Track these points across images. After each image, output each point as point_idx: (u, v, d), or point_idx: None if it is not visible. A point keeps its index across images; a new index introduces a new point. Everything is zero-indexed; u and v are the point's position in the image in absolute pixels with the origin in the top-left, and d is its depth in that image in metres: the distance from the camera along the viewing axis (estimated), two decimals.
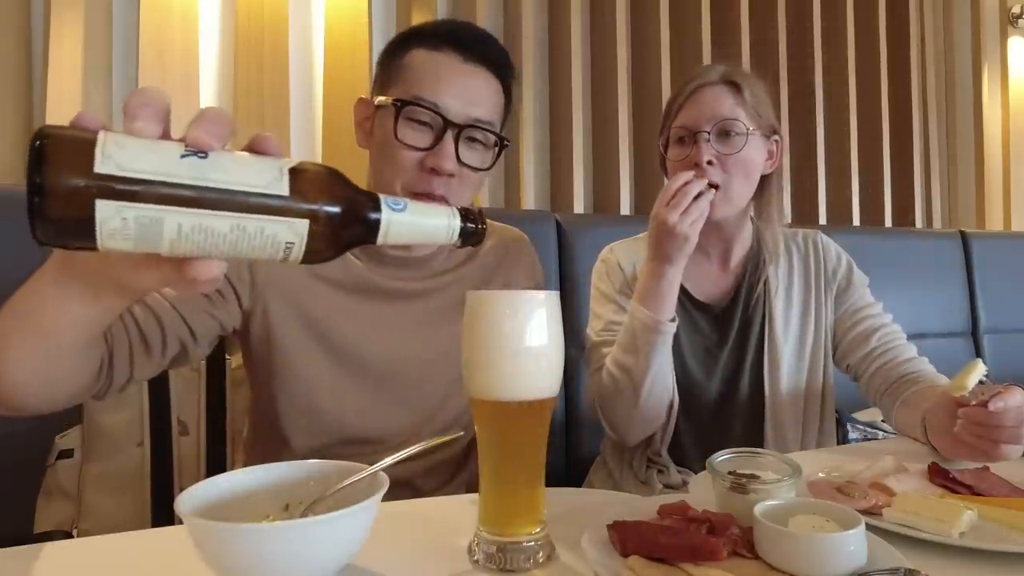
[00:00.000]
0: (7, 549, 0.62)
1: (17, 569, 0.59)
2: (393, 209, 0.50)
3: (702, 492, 0.71)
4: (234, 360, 1.10)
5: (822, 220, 2.52)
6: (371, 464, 0.59)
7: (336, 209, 0.47)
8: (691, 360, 1.19)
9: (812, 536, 0.54)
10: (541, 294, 0.59)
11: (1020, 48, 2.96)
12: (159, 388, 1.05)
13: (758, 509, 0.57)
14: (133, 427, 1.04)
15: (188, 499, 0.54)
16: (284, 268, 0.94)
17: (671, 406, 1.12)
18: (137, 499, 1.03)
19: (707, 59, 2.22)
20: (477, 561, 0.59)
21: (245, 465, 1.03)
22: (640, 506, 0.67)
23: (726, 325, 1.19)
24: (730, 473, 0.64)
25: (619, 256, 1.23)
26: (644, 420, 1.08)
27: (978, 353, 2.28)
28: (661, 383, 1.05)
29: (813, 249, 1.23)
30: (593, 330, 1.21)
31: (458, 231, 0.53)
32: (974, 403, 0.82)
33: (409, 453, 0.62)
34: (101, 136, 0.41)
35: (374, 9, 1.82)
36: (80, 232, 0.41)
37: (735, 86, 1.12)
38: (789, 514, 0.57)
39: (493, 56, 0.95)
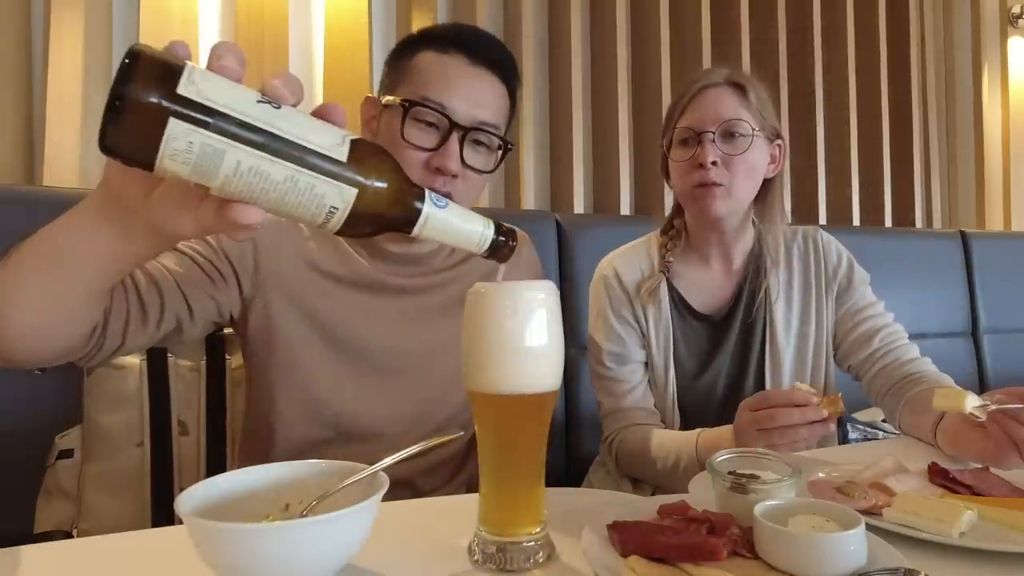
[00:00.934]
0: (7, 549, 0.62)
1: (17, 569, 0.59)
2: (436, 204, 0.53)
3: (702, 492, 0.71)
4: (234, 360, 1.10)
5: (822, 220, 2.52)
6: (369, 461, 0.60)
7: (385, 186, 0.50)
8: (694, 366, 1.19)
9: (812, 536, 0.54)
10: (542, 290, 0.59)
11: (1020, 48, 2.96)
12: (159, 388, 1.05)
13: (758, 509, 0.57)
14: (133, 427, 1.04)
15: (188, 499, 0.54)
16: (286, 260, 0.94)
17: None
18: (137, 499, 1.03)
19: (707, 59, 2.22)
20: (477, 561, 0.59)
21: (240, 461, 1.04)
22: (640, 506, 0.67)
23: (727, 332, 1.19)
24: (730, 473, 0.64)
25: (620, 269, 1.21)
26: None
27: (978, 353, 2.29)
28: None
29: (813, 249, 1.22)
30: (593, 356, 1.22)
31: (489, 242, 0.55)
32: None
33: (409, 453, 0.62)
34: (189, 65, 0.44)
35: (374, 9, 1.82)
36: (145, 146, 0.43)
37: (740, 88, 1.13)
38: (789, 514, 0.57)
39: (500, 60, 0.96)
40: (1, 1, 1.49)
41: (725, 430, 0.97)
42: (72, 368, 1.05)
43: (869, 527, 0.56)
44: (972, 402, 0.81)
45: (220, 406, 1.09)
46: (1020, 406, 0.80)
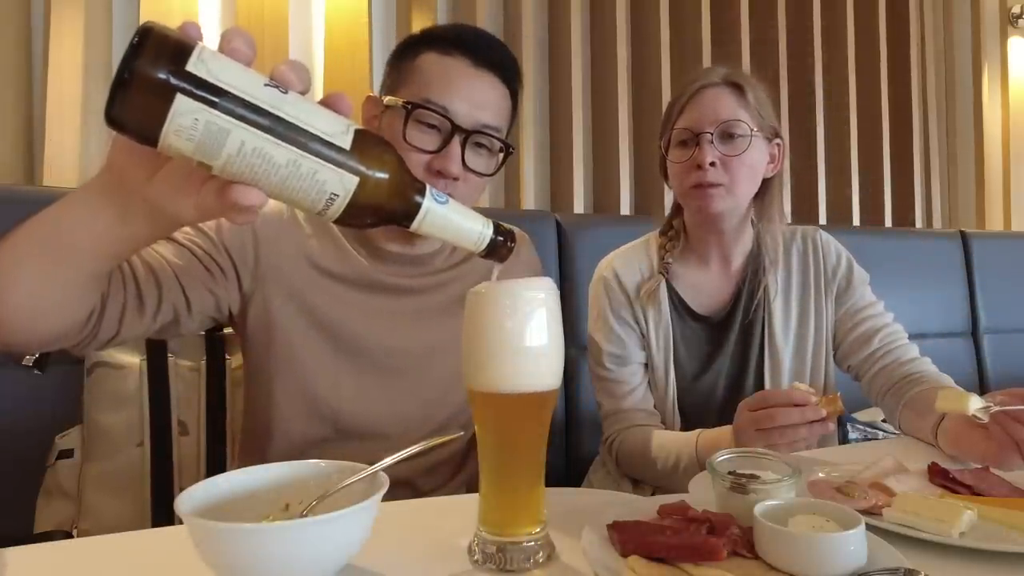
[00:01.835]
0: (7, 549, 0.62)
1: (17, 569, 0.59)
2: (436, 200, 0.53)
3: (702, 492, 0.71)
4: (234, 360, 1.10)
5: (822, 220, 2.52)
6: (368, 460, 0.60)
7: (386, 177, 0.50)
8: (694, 367, 1.19)
9: (812, 536, 0.54)
10: (542, 290, 0.59)
11: (1020, 48, 2.96)
12: (159, 388, 1.05)
13: (758, 509, 0.57)
14: (133, 427, 1.04)
15: (188, 499, 0.54)
16: (287, 256, 0.94)
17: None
18: (137, 499, 1.03)
19: (707, 59, 2.22)
20: (477, 561, 0.59)
21: (239, 459, 1.04)
22: (640, 506, 0.67)
23: (726, 333, 1.19)
24: (730, 473, 0.64)
25: (619, 270, 1.21)
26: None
27: (978, 353, 2.29)
28: None
29: (812, 249, 1.22)
30: (593, 357, 1.22)
31: (488, 241, 0.55)
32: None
33: (409, 453, 0.62)
34: (200, 44, 0.45)
35: (374, 9, 1.82)
36: (151, 120, 0.43)
37: (738, 88, 1.12)
38: (789, 514, 0.57)
39: (502, 62, 0.96)
40: (1, 1, 1.49)
41: (725, 430, 0.97)
42: (72, 368, 1.06)
43: (869, 527, 0.56)
44: (975, 404, 0.81)
45: (220, 406, 1.09)
46: (1022, 407, 0.80)
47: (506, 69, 0.96)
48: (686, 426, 1.16)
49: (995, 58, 2.91)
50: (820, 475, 0.77)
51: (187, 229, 0.91)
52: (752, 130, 1.10)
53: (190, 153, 0.45)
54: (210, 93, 0.44)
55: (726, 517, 0.60)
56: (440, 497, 0.98)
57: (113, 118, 0.44)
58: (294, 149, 0.46)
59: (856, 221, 2.58)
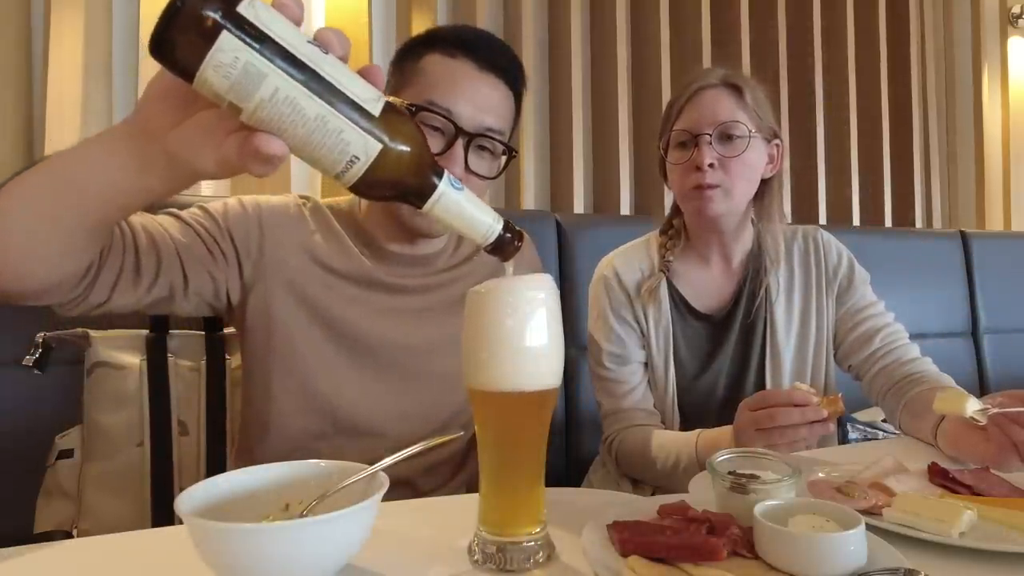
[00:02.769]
0: (7, 549, 0.62)
1: (17, 569, 0.59)
2: (452, 185, 0.54)
3: (702, 492, 0.71)
4: (234, 360, 1.10)
5: (822, 220, 2.52)
6: (367, 458, 0.60)
7: (408, 151, 0.51)
8: (694, 366, 1.19)
9: (812, 536, 0.54)
10: (542, 289, 0.59)
11: (1020, 48, 2.96)
12: (159, 388, 1.05)
13: (758, 509, 0.57)
14: (133, 427, 1.04)
15: (188, 499, 0.54)
16: (290, 249, 0.95)
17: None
18: (137, 499, 1.03)
19: (707, 59, 2.22)
20: (477, 561, 0.59)
21: (237, 455, 1.03)
22: (640, 506, 0.67)
23: (727, 332, 1.19)
24: (730, 473, 0.64)
25: (619, 269, 1.21)
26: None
27: (978, 353, 2.29)
28: None
29: (814, 248, 1.22)
30: (593, 356, 1.22)
31: (496, 236, 0.55)
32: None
33: (409, 453, 0.62)
34: None
35: (374, 9, 1.82)
36: (193, 53, 0.44)
37: (736, 89, 1.12)
38: (789, 514, 0.57)
39: (507, 65, 0.96)
40: (1, 1, 1.49)
41: (725, 430, 0.97)
42: (72, 368, 1.06)
43: (869, 527, 0.56)
44: (973, 406, 0.81)
45: (220, 406, 1.09)
46: (1021, 409, 0.80)
47: (510, 72, 0.97)
48: (686, 425, 1.16)
49: (995, 58, 2.91)
50: (820, 475, 0.77)
51: (194, 210, 0.91)
52: (750, 131, 1.10)
53: (224, 92, 0.46)
54: (254, 35, 0.45)
55: (726, 517, 0.60)
56: (440, 497, 0.98)
57: (157, 45, 0.45)
58: (325, 105, 0.47)
59: (856, 221, 2.58)
